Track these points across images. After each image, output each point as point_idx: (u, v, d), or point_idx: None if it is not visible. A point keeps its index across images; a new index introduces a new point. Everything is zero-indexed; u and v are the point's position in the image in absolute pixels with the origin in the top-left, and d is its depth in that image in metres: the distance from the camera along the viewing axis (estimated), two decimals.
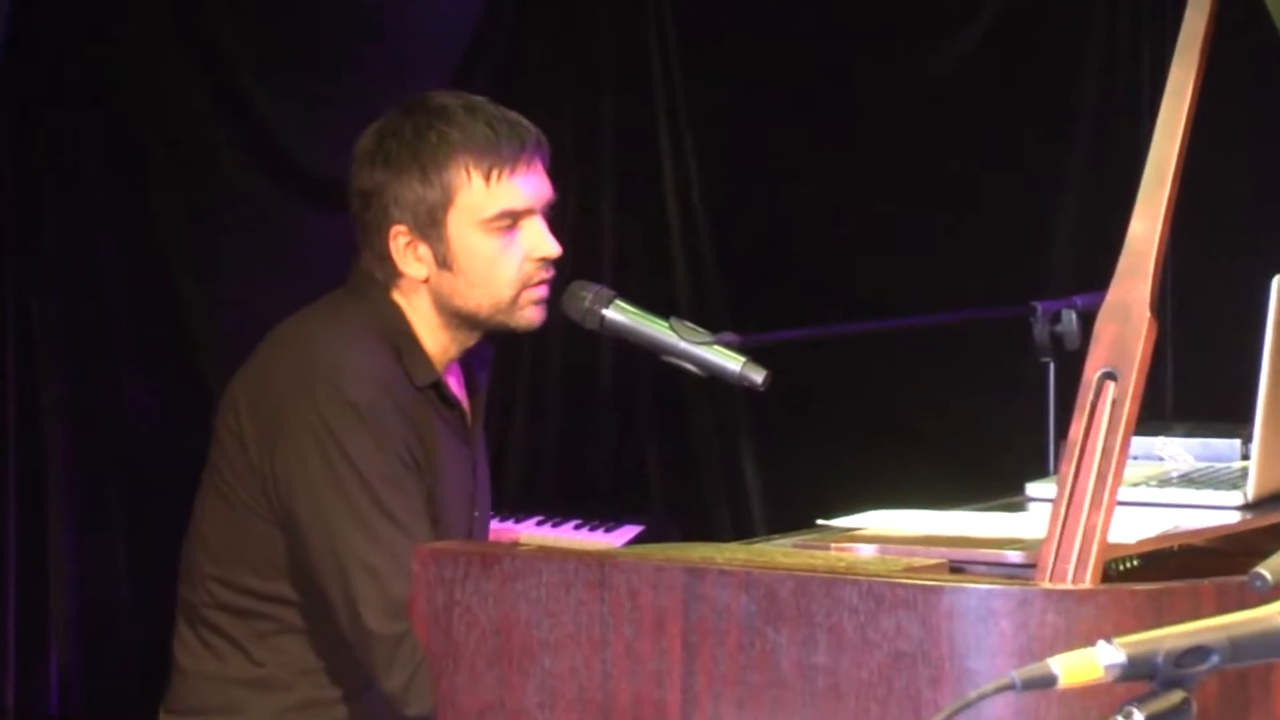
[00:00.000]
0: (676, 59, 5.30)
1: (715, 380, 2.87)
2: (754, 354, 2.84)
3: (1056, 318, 3.60)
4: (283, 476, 2.75)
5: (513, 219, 2.86)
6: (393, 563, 2.64)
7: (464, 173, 2.83)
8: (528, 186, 2.87)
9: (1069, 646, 1.55)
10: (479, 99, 2.90)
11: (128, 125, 4.72)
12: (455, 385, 2.98)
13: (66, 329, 4.54)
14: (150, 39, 4.74)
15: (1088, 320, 3.38)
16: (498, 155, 2.84)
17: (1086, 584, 2.02)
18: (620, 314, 2.88)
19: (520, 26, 5.36)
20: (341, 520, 2.69)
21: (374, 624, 2.64)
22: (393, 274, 2.88)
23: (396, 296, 2.89)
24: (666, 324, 2.86)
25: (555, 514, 4.73)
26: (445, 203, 2.84)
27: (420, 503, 2.75)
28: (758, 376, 2.81)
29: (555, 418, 5.40)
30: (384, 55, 5.03)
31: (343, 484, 2.70)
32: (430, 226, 2.84)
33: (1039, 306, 3.61)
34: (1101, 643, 1.50)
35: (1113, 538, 2.11)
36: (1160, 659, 1.51)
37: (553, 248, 2.88)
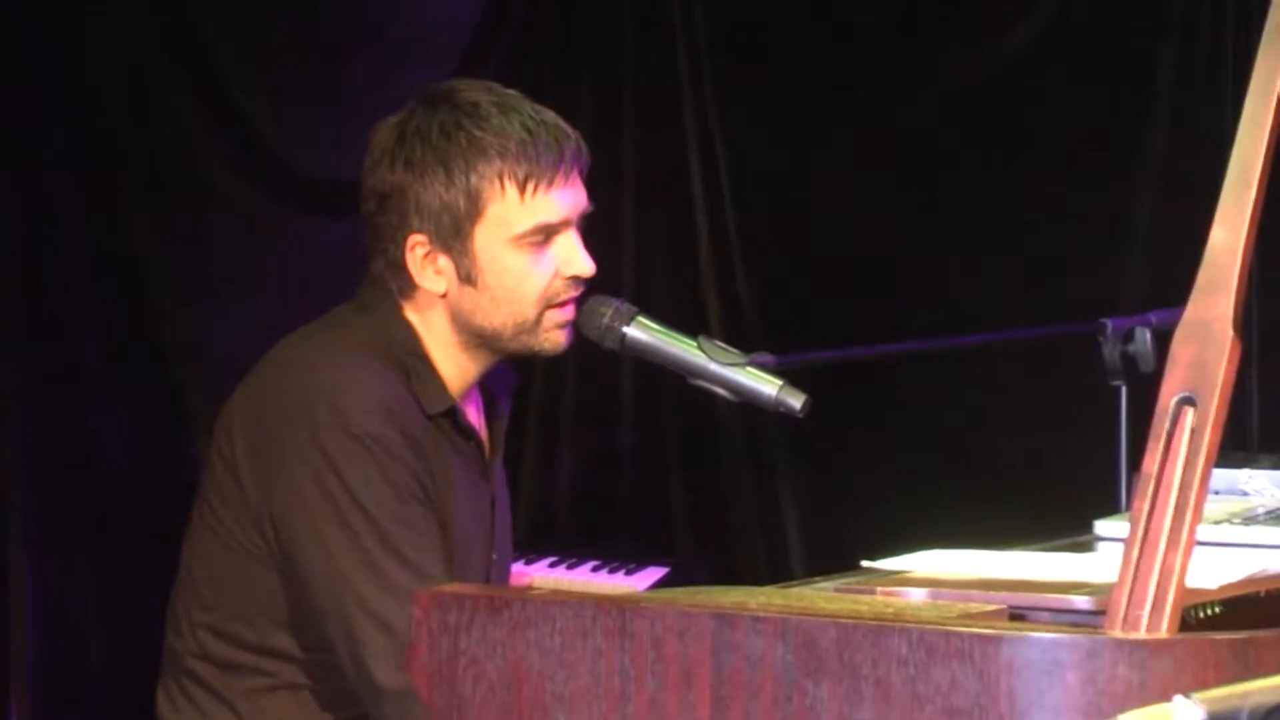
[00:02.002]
0: (704, 48, 5.31)
1: (749, 406, 2.87)
2: (792, 377, 2.83)
3: (1129, 336, 3.60)
4: (281, 515, 2.74)
5: (546, 234, 2.85)
6: (404, 609, 2.64)
7: (496, 182, 2.82)
8: (565, 199, 2.86)
9: (1143, 702, 1.55)
10: (512, 94, 2.89)
11: (98, 124, 4.73)
12: (473, 413, 2.97)
13: (28, 350, 4.55)
14: (124, 29, 4.76)
15: (1163, 339, 3.37)
16: (535, 164, 2.83)
17: (1162, 633, 2.01)
18: (643, 332, 2.88)
19: (531, 14, 5.37)
20: (346, 563, 2.69)
21: (384, 678, 2.64)
22: (407, 286, 2.88)
23: (410, 313, 2.89)
24: (694, 343, 2.85)
25: (571, 555, 4.73)
26: (473, 213, 2.83)
27: (435, 540, 2.75)
28: (796, 402, 2.80)
29: (571, 448, 5.40)
30: (380, 45, 5.04)
31: (347, 522, 2.70)
32: (454, 238, 2.84)
33: (1109, 324, 3.61)
34: (1179, 698, 1.50)
35: (1192, 581, 2.10)
36: (1244, 717, 1.50)
37: (587, 266, 2.88)
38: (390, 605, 2.65)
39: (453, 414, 2.88)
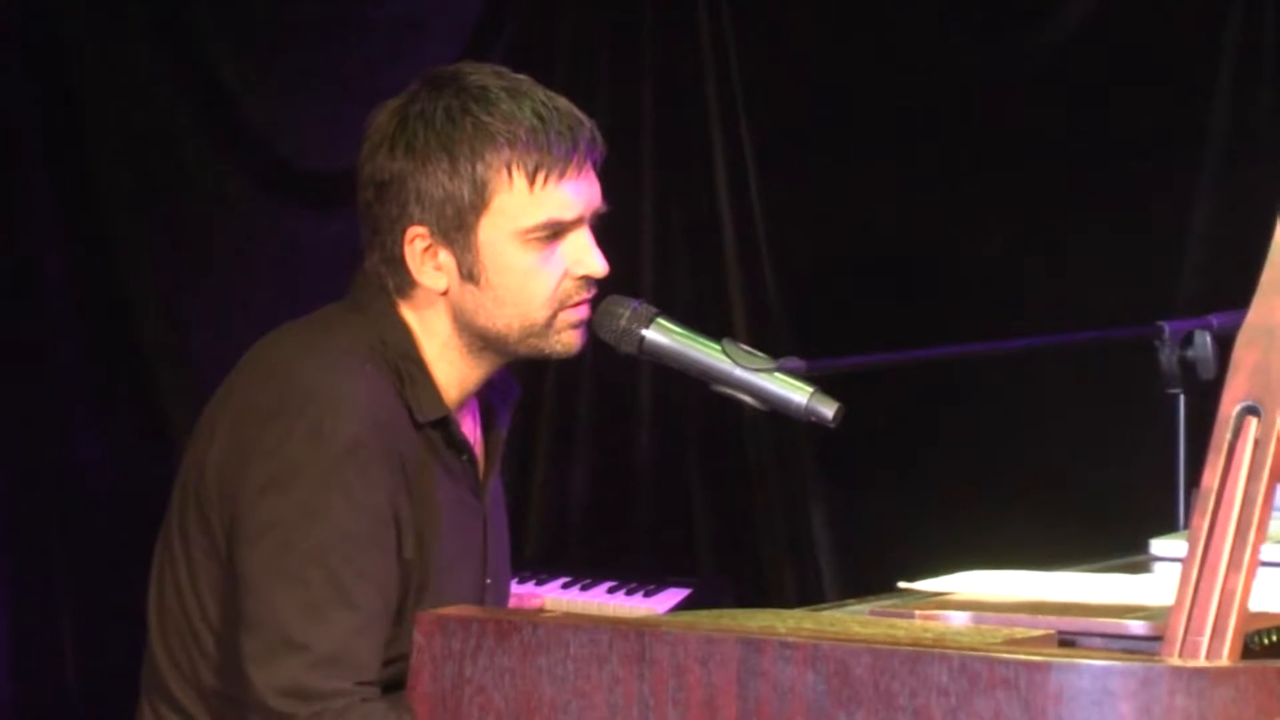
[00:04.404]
0: (729, 23, 5.30)
1: (777, 415, 2.87)
2: (823, 383, 2.84)
3: (1188, 341, 3.60)
4: (234, 510, 2.75)
5: (556, 230, 2.86)
6: (325, 638, 2.64)
7: (504, 172, 2.83)
8: (578, 193, 2.87)
9: None
10: (523, 79, 2.90)
11: (75, 112, 4.73)
12: (469, 425, 2.97)
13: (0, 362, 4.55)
14: (102, 9, 4.76)
15: (1225, 344, 3.38)
16: (546, 154, 2.83)
17: (1223, 660, 2.01)
18: (663, 335, 2.88)
19: None
20: (277, 579, 2.69)
21: (265, 694, 2.65)
22: (405, 283, 2.88)
23: (406, 312, 2.89)
24: (718, 347, 2.86)
25: (585, 575, 4.74)
26: (478, 205, 2.83)
27: (390, 569, 2.74)
28: (828, 410, 2.81)
29: (585, 459, 5.40)
30: (380, 29, 5.04)
31: (291, 537, 2.69)
32: (457, 231, 2.84)
33: (1166, 327, 3.61)
34: None
35: (1255, 605, 2.11)
36: None
37: (599, 266, 2.88)
38: (309, 634, 2.66)
39: (446, 424, 2.88)
